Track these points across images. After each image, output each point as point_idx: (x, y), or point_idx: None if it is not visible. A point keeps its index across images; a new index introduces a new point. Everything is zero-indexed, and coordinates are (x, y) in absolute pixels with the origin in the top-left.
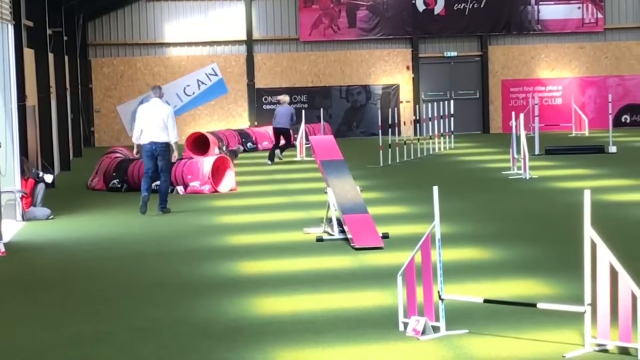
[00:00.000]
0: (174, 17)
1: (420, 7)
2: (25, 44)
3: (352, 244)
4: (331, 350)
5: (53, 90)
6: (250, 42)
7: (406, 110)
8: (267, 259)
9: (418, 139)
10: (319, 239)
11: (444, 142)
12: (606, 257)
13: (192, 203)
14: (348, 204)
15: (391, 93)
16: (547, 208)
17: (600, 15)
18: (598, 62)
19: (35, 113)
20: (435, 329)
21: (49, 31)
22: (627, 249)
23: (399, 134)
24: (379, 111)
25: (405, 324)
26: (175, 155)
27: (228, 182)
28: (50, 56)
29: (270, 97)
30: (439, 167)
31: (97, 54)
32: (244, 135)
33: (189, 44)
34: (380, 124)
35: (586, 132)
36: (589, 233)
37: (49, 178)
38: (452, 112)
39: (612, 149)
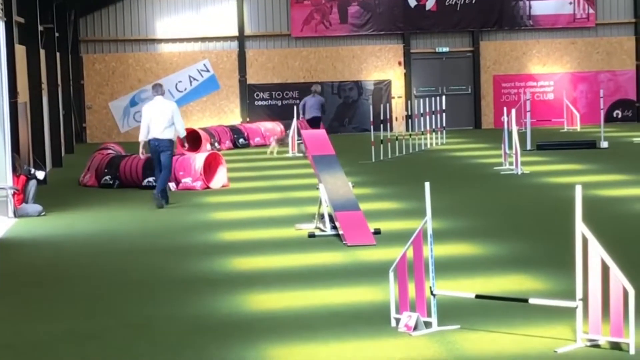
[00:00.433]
0: (166, 13)
1: (412, 2)
2: (17, 41)
3: (344, 242)
4: (323, 346)
5: (45, 86)
6: (242, 38)
7: (398, 106)
8: (260, 255)
9: (410, 135)
10: (311, 235)
11: (436, 138)
12: (597, 252)
13: (184, 199)
14: (340, 201)
15: (383, 89)
16: (539, 203)
17: (591, 11)
18: (589, 57)
19: (27, 110)
20: (427, 325)
21: (40, 27)
22: (618, 244)
23: (391, 129)
24: (371, 107)
25: (397, 320)
26: (185, 146)
27: (220, 178)
28: (42, 52)
29: (261, 93)
30: (430, 163)
31: (89, 50)
32: (235, 132)
33: (181, 40)
34: (372, 119)
35: (578, 128)
36: (581, 228)
37: (40, 174)
38: (443, 107)
39: (604, 144)
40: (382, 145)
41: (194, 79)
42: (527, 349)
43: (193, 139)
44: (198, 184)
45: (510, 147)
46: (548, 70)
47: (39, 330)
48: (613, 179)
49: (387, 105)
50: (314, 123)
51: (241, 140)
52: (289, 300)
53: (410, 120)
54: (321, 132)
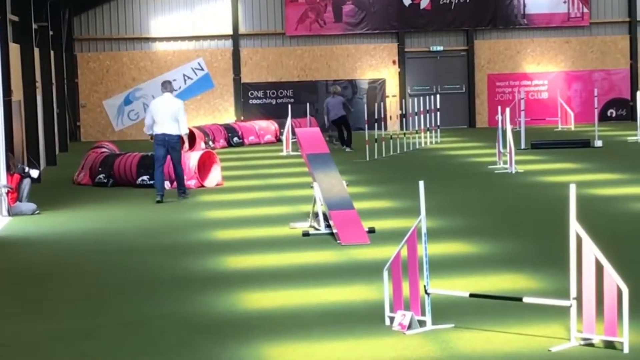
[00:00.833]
0: (160, 11)
1: (406, 1)
2: (11, 39)
3: (338, 241)
4: (318, 344)
5: (39, 85)
6: (236, 37)
7: (392, 105)
8: (254, 253)
9: (404, 134)
10: (305, 234)
11: (430, 137)
12: (591, 251)
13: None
14: (334, 199)
15: (377, 87)
16: (533, 202)
17: (585, 10)
18: (584, 56)
19: (21, 108)
20: (422, 324)
21: (34, 26)
22: (612, 243)
23: (385, 128)
24: (365, 106)
25: (392, 319)
26: (185, 147)
27: (214, 176)
28: (36, 51)
29: (256, 92)
30: (425, 162)
31: (83, 48)
32: (230, 130)
33: (175, 39)
34: (366, 118)
35: (572, 126)
36: (575, 227)
37: (34, 173)
38: (438, 106)
39: (598, 143)
40: (376, 144)
41: (188, 78)
42: (521, 347)
43: (187, 138)
44: (192, 183)
45: (505, 146)
46: (542, 69)
47: (34, 329)
48: (607, 178)
49: (382, 104)
50: (342, 122)
51: (235, 138)
52: (283, 298)
53: (404, 119)
54: (315, 130)
